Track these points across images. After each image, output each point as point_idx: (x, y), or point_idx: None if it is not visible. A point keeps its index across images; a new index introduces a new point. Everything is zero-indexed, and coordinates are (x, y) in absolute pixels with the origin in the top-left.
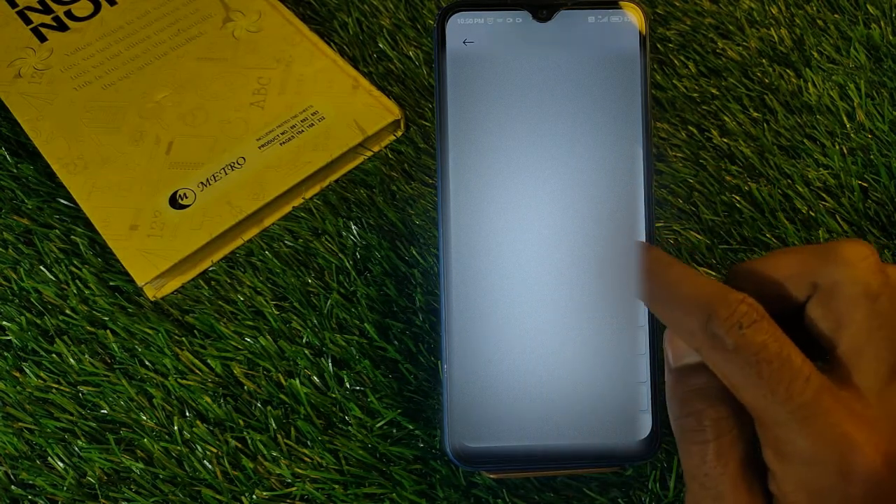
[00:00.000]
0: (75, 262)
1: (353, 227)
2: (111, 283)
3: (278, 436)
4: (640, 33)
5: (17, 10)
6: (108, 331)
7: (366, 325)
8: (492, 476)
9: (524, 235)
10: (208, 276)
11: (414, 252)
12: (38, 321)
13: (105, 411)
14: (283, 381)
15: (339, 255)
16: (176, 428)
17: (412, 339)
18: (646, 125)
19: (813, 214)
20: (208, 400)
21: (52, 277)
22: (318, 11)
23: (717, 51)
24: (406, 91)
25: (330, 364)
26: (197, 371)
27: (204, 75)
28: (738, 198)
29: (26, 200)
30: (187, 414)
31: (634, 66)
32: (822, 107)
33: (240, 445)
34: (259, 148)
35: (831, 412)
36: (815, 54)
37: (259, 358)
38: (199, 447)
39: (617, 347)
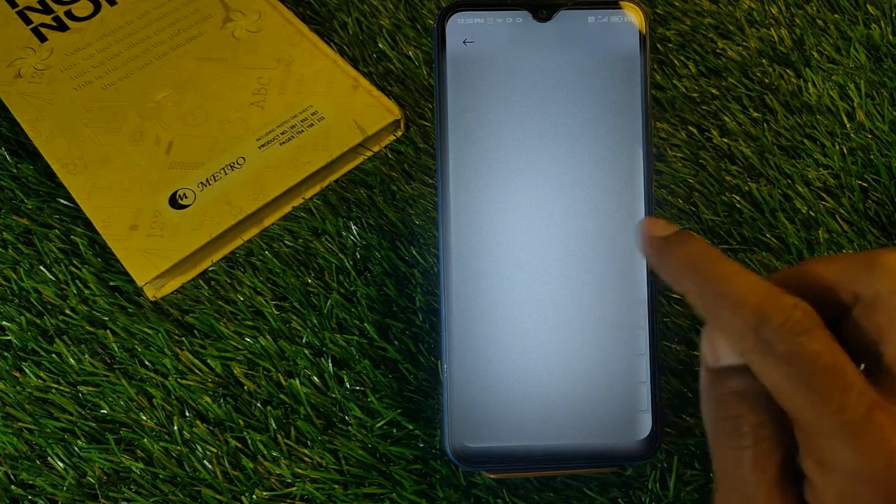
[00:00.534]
0: (75, 262)
1: (353, 227)
2: (111, 283)
3: (278, 436)
4: (640, 33)
5: (17, 10)
6: (107, 331)
7: (366, 325)
8: (492, 476)
9: (524, 235)
10: (208, 276)
11: (414, 252)
12: (38, 321)
13: (105, 411)
14: (283, 381)
15: (339, 255)
16: (176, 428)
17: (412, 339)
18: (646, 125)
19: (813, 214)
20: (208, 400)
21: (51, 277)
22: (318, 11)
23: (717, 51)
24: (406, 91)
25: (330, 364)
26: (197, 371)
27: (204, 75)
28: (738, 198)
29: (26, 200)
30: (187, 414)
31: (634, 66)
32: (822, 107)
33: (240, 445)
34: (259, 148)
35: (885, 428)
36: (815, 54)
37: (259, 358)
38: (199, 447)
39: (617, 347)
